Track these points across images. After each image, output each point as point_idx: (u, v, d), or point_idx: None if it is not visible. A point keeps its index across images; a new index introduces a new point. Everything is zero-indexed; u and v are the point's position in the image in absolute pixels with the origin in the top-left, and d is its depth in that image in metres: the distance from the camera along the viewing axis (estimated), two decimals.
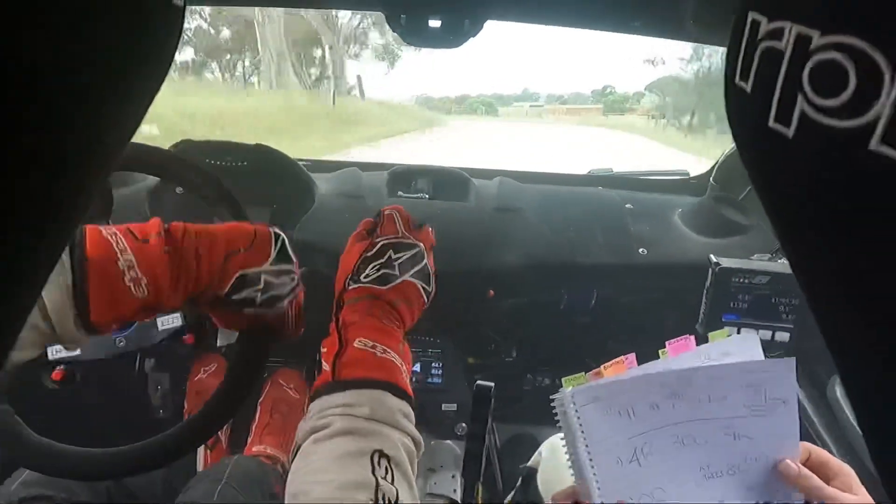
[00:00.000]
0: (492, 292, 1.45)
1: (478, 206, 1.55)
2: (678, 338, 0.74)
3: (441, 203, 1.57)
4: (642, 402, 0.69)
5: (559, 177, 1.92)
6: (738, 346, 0.74)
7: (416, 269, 0.77)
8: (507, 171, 1.78)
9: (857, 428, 1.23)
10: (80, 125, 0.20)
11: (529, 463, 1.10)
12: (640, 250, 1.49)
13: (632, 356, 0.73)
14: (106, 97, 0.21)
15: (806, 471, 0.70)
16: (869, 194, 0.19)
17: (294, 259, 0.72)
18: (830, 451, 1.28)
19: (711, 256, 1.31)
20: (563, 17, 1.32)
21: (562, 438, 0.72)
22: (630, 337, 1.66)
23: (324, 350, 0.68)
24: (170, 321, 0.97)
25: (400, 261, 0.76)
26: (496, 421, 1.62)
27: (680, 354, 0.74)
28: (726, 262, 1.28)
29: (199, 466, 1.39)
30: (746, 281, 1.27)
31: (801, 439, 0.73)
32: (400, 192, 1.60)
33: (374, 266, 0.74)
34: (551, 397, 0.71)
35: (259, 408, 1.53)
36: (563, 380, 0.71)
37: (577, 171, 1.98)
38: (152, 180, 1.43)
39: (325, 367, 0.65)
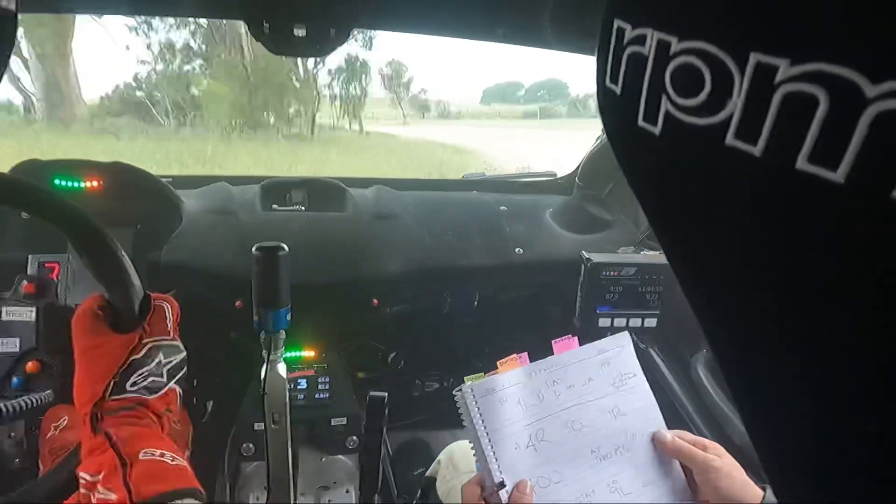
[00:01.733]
0: (376, 301, 1.43)
1: (356, 216, 1.53)
2: (563, 337, 0.81)
3: (318, 214, 1.54)
4: (530, 391, 0.77)
5: (434, 182, 1.94)
6: (612, 343, 0.82)
7: (181, 374, 0.70)
8: (383, 179, 1.78)
9: (720, 403, 1.34)
10: None
11: (428, 472, 1.11)
12: (517, 250, 1.53)
13: (524, 354, 0.79)
14: None
15: (679, 441, 0.77)
16: (726, 185, 0.20)
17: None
18: (696, 425, 1.39)
19: (583, 252, 1.37)
20: (429, 26, 1.33)
21: (471, 444, 0.76)
22: (513, 334, 1.71)
23: (95, 476, 0.58)
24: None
25: (168, 366, 0.68)
26: (388, 430, 1.61)
27: (564, 352, 0.80)
28: (597, 258, 1.35)
29: None
30: (615, 273, 1.34)
31: (671, 417, 0.81)
32: (274, 206, 1.55)
33: (142, 373, 0.65)
34: (454, 392, 0.77)
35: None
36: (465, 378, 0.77)
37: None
38: None
39: (105, 493, 0.56)
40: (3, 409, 0.72)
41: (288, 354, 1.04)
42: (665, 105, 0.22)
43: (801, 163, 0.17)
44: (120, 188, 1.36)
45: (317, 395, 1.41)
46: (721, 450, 0.76)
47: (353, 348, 1.60)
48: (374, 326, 1.60)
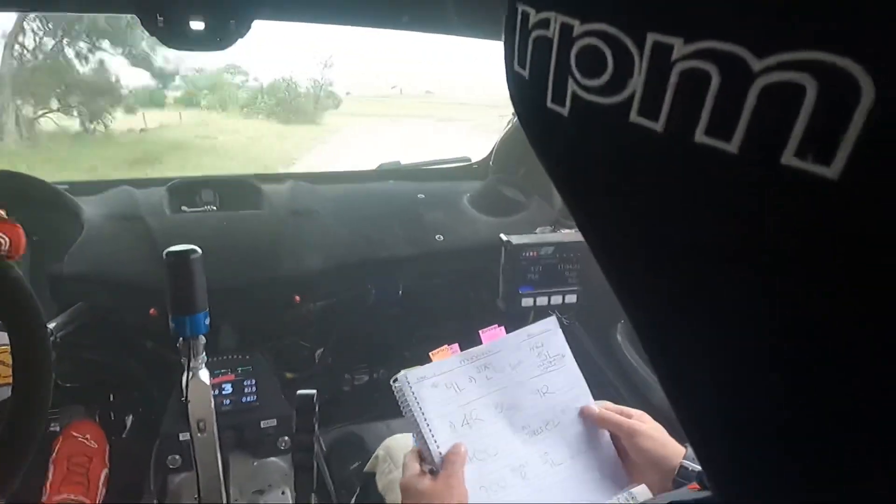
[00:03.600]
0: (297, 298, 1.41)
1: (271, 213, 1.50)
2: (490, 327, 0.87)
3: (231, 213, 1.49)
4: (462, 376, 0.83)
5: (350, 174, 1.92)
6: (540, 328, 0.89)
7: None
8: (297, 174, 1.74)
9: (640, 370, 1.40)
10: None
11: (367, 467, 1.10)
12: (437, 237, 1.54)
13: (455, 345, 0.85)
14: None
15: (605, 411, 0.83)
16: (632, 161, 0.21)
17: None
18: (619, 392, 1.45)
19: (502, 235, 1.40)
20: (331, 15, 1.31)
21: (412, 431, 0.81)
22: (439, 321, 1.73)
23: None
24: None
25: None
26: (320, 427, 1.59)
27: (493, 341, 0.86)
28: (516, 239, 1.37)
29: None
30: (535, 254, 1.37)
31: (595, 385, 0.88)
32: (184, 207, 1.49)
33: None
34: (391, 381, 0.82)
35: (53, 465, 1.35)
36: (402, 371, 0.82)
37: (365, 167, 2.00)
38: None
39: None
40: None
41: (210, 360, 1.00)
42: (571, 86, 0.22)
43: (699, 136, 0.18)
44: (10, 197, 1.27)
45: (243, 399, 1.38)
46: (644, 415, 0.82)
47: (279, 348, 1.57)
48: (298, 324, 1.58)
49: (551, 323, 0.89)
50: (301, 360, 1.64)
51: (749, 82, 0.17)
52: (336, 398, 1.73)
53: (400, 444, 1.08)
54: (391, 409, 1.69)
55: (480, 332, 0.86)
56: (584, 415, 0.84)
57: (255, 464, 1.39)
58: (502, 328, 0.87)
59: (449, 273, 1.63)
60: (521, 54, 0.25)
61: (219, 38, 1.10)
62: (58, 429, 1.40)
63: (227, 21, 1.08)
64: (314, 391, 0.99)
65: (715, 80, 0.18)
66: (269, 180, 1.64)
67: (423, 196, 1.66)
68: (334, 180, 1.78)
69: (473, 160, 1.99)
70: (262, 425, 1.36)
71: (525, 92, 0.26)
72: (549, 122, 0.24)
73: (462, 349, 0.85)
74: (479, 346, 0.85)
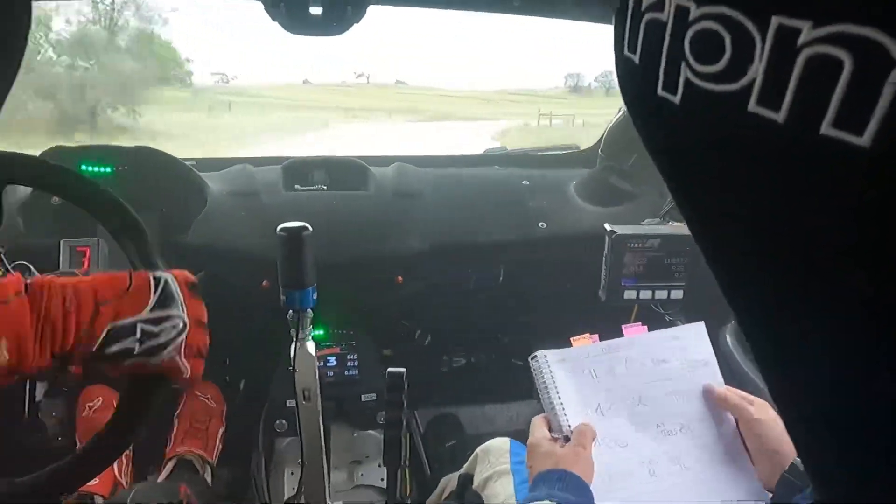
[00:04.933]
0: (399, 279, 1.44)
1: (377, 194, 1.54)
2: (633, 323, 0.92)
3: (340, 193, 1.54)
4: (602, 365, 0.86)
5: (455, 158, 1.93)
6: (688, 331, 0.90)
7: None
8: (404, 157, 1.78)
9: (749, 372, 1.33)
10: None
11: (464, 468, 1.13)
12: (540, 224, 1.53)
13: (595, 336, 0.89)
14: None
15: (728, 392, 0.84)
16: (748, 153, 0.20)
17: (180, 302, 0.64)
18: None
19: (606, 225, 1.36)
20: (443, 0, 1.32)
21: (546, 409, 0.84)
22: (538, 309, 1.72)
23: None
24: None
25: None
26: (416, 406, 1.63)
27: (637, 335, 0.89)
28: (620, 230, 1.34)
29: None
30: (640, 245, 1.33)
31: None
32: (297, 186, 1.56)
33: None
34: (530, 357, 0.86)
35: (177, 420, 1.48)
36: (542, 350, 0.86)
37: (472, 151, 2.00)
38: (24, 192, 1.32)
39: None
40: None
41: (316, 333, 1.05)
42: (685, 73, 0.21)
43: (826, 128, 0.17)
44: (145, 172, 1.38)
45: (346, 372, 1.44)
46: (766, 406, 0.82)
47: (379, 325, 1.62)
48: (399, 304, 1.62)
49: (700, 328, 0.90)
50: (400, 338, 1.69)
51: (887, 71, 0.15)
52: (433, 379, 1.76)
53: (497, 446, 1.11)
54: (487, 394, 1.70)
55: (624, 326, 0.91)
56: (707, 393, 0.85)
57: (355, 435, 1.45)
58: (644, 326, 0.91)
59: (550, 261, 1.62)
60: (631, 38, 0.24)
61: (335, 22, 1.13)
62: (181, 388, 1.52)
63: (344, 6, 1.12)
64: (403, 369, 1.01)
65: (847, 68, 0.16)
66: (377, 162, 1.68)
67: (528, 182, 1.65)
68: (439, 164, 1.80)
69: (582, 147, 1.96)
70: (362, 399, 1.41)
71: (634, 78, 0.25)
72: (658, 110, 0.23)
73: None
74: (621, 339, 0.88)
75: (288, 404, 1.35)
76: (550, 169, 1.83)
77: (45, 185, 0.79)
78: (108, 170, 1.35)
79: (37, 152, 1.35)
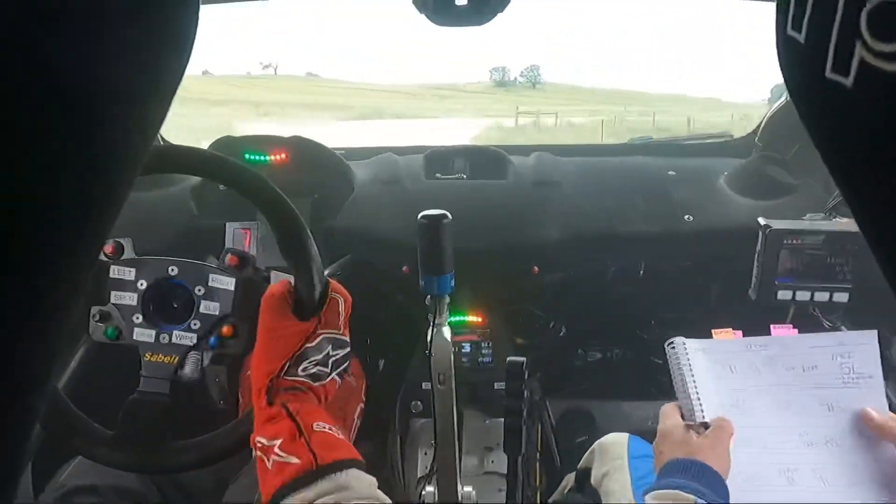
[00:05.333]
0: (536, 269, 1.44)
1: (516, 183, 1.54)
2: (782, 324, 0.90)
3: (479, 182, 1.56)
4: (743, 361, 0.82)
5: (597, 147, 1.89)
6: (855, 338, 0.82)
7: (343, 367, 0.76)
8: (544, 146, 1.76)
9: None
10: (107, 125, 0.20)
11: (581, 463, 1.12)
12: (686, 217, 1.45)
13: (739, 332, 0.87)
14: (129, 96, 0.21)
15: (890, 421, 0.76)
16: None
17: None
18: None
19: (760, 219, 1.27)
20: None
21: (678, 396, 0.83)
22: (680, 305, 1.64)
23: (272, 441, 0.65)
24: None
25: (335, 358, 0.74)
26: (549, 397, 1.62)
27: (788, 335, 0.87)
28: (777, 224, 1.24)
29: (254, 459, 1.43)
30: (798, 242, 1.23)
31: None
32: (437, 174, 1.60)
33: (313, 360, 0.72)
34: (667, 343, 0.85)
35: None
36: (680, 337, 0.85)
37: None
38: (195, 178, 1.47)
39: (286, 457, 0.63)
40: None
41: (452, 319, 1.08)
42: (859, 52, 0.19)
43: None
44: (300, 161, 1.48)
45: (480, 360, 1.46)
46: None
47: (514, 315, 1.62)
48: (534, 293, 1.61)
49: (870, 337, 0.82)
50: (533, 328, 1.68)
51: None
52: (567, 372, 1.74)
53: (614, 441, 1.08)
54: (623, 391, 1.65)
55: (772, 326, 0.89)
56: (863, 419, 0.77)
57: (487, 422, 1.46)
58: (795, 330, 0.89)
59: (696, 256, 1.54)
60: (797, 15, 0.22)
61: (480, 12, 1.14)
62: None
63: None
64: (524, 359, 1.01)
65: None
66: (517, 151, 1.68)
67: (674, 173, 1.57)
68: (579, 153, 1.77)
69: (736, 135, 1.83)
70: (494, 386, 1.42)
71: (799, 59, 0.23)
72: (827, 94, 0.21)
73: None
74: (768, 337, 0.85)
75: (424, 386, 1.39)
76: (699, 158, 1.73)
77: (210, 175, 0.88)
78: (265, 158, 1.46)
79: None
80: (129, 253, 0.85)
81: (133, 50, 0.21)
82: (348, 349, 0.76)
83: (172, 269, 0.85)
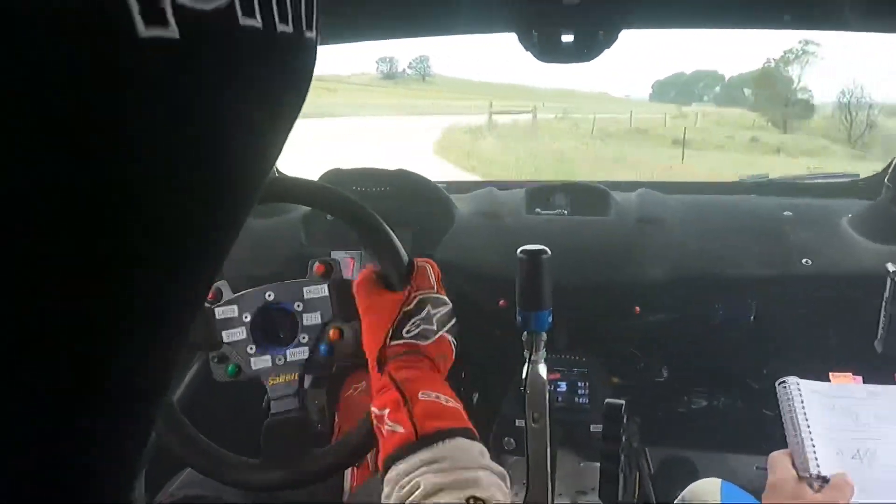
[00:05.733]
0: (637, 309, 1.39)
1: (619, 220, 1.50)
2: None
3: (580, 218, 1.54)
4: (866, 409, 0.76)
5: (707, 185, 1.82)
6: None
7: (451, 324, 0.76)
8: (650, 182, 1.72)
9: None
10: (228, 156, 0.21)
11: None
12: (804, 261, 1.37)
13: (859, 378, 0.82)
14: (250, 129, 0.22)
15: None
16: None
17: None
18: None
19: (889, 265, 1.17)
20: (706, 19, 1.25)
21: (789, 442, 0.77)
22: (794, 354, 1.53)
23: (381, 410, 0.66)
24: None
25: (437, 315, 0.75)
26: (648, 444, 1.55)
27: None
28: None
29: (346, 483, 1.45)
30: None
31: None
32: (537, 210, 1.59)
33: (415, 322, 0.73)
34: (777, 382, 0.79)
35: None
36: (793, 377, 0.79)
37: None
38: (305, 208, 1.54)
39: (393, 426, 0.64)
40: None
41: (549, 356, 1.07)
42: None
43: None
44: (403, 193, 1.52)
45: (576, 399, 1.42)
46: None
47: (614, 355, 1.57)
48: (635, 334, 1.56)
49: None
50: (633, 370, 1.62)
51: None
52: (669, 418, 1.66)
53: (705, 489, 1.03)
54: (730, 443, 1.55)
55: None
56: None
57: (581, 465, 1.42)
58: None
59: (813, 302, 1.44)
60: None
61: (586, 49, 1.14)
62: None
63: (597, 32, 1.12)
64: (623, 401, 0.97)
65: None
66: (620, 188, 1.65)
67: (791, 213, 1.49)
68: (688, 190, 1.71)
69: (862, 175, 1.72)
70: (590, 429, 1.38)
71: None
72: None
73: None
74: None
75: (517, 423, 1.37)
76: (820, 199, 1.63)
77: (316, 204, 0.92)
78: (369, 189, 1.52)
79: None
80: (227, 294, 0.90)
81: (257, 86, 0.22)
82: (449, 306, 0.78)
83: (269, 295, 0.89)
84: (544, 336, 0.99)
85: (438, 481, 0.57)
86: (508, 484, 0.63)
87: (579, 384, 1.43)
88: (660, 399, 1.64)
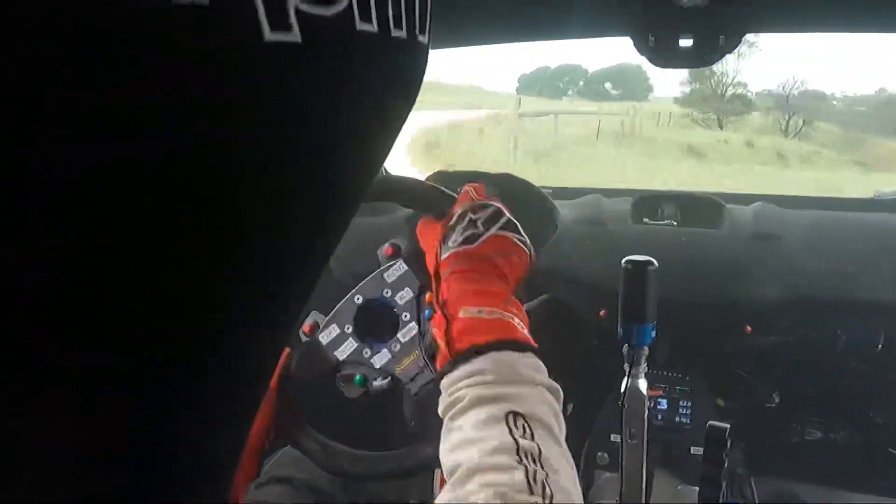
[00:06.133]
0: (749, 328, 1.32)
1: (732, 234, 1.43)
2: None
3: (690, 230, 1.48)
4: None
5: (832, 201, 1.70)
6: None
7: (501, 222, 0.75)
8: (767, 195, 1.62)
9: None
10: (339, 156, 0.22)
11: None
12: None
13: None
14: (361, 132, 0.23)
15: None
16: None
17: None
18: None
19: None
20: (834, 22, 1.17)
21: None
22: None
23: (435, 330, 0.67)
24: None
25: (481, 219, 0.74)
26: (754, 473, 1.46)
27: None
28: None
29: (436, 482, 1.46)
30: None
31: None
32: (645, 219, 1.55)
33: (458, 231, 0.73)
34: None
35: None
36: None
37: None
38: (407, 210, 1.57)
39: (441, 346, 0.64)
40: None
41: (648, 371, 1.03)
42: None
43: None
44: (507, 197, 1.51)
45: (676, 419, 1.36)
46: None
47: (720, 376, 1.49)
48: (744, 355, 1.47)
49: None
50: (740, 393, 1.53)
51: None
52: (779, 447, 1.56)
53: None
54: (848, 479, 1.44)
55: None
56: None
57: (679, 487, 1.36)
58: None
59: None
60: None
61: (705, 54, 1.09)
62: None
63: (717, 36, 1.07)
64: (727, 425, 0.92)
65: None
66: (736, 200, 1.57)
67: None
68: (811, 205, 1.60)
69: None
70: (691, 451, 1.32)
71: None
72: None
73: None
74: None
75: (612, 439, 1.33)
76: None
77: (418, 204, 0.94)
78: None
79: None
80: (322, 319, 0.92)
81: (370, 89, 0.22)
82: (495, 207, 0.78)
83: (357, 298, 0.91)
84: (646, 350, 0.96)
85: (478, 394, 0.56)
86: (560, 401, 0.62)
87: (681, 403, 1.37)
88: (769, 426, 1.54)
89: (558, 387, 0.62)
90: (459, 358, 0.61)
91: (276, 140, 0.19)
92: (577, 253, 1.43)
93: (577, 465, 1.43)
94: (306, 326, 0.92)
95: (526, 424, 0.54)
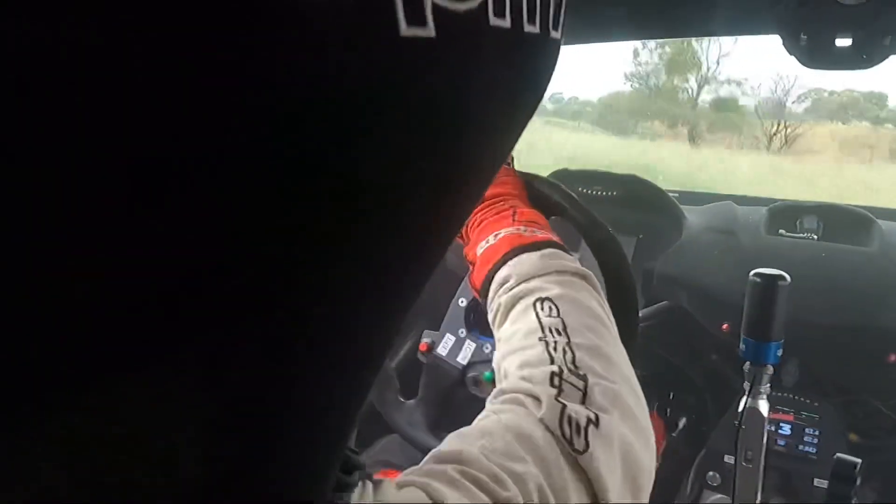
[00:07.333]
0: (893, 358, 1.20)
1: (882, 253, 1.31)
2: None
3: (833, 246, 1.37)
4: None
5: None
6: None
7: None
8: None
9: None
10: (464, 150, 0.22)
11: None
12: None
13: None
14: (488, 126, 0.23)
15: None
16: None
17: None
18: None
19: None
20: None
21: None
22: None
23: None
24: None
25: None
26: None
27: None
28: None
29: None
30: None
31: None
32: (781, 231, 1.45)
33: None
34: None
35: None
36: None
37: None
38: None
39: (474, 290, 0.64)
40: None
41: (771, 393, 0.97)
42: None
43: None
44: (631, 199, 1.47)
45: (800, 447, 1.27)
46: None
47: (855, 406, 1.38)
48: (884, 387, 1.35)
49: None
50: (877, 428, 1.40)
51: None
52: None
53: None
54: None
55: None
56: None
57: None
58: None
59: None
60: None
61: (865, 55, 1.00)
62: None
63: (881, 36, 0.98)
64: (858, 460, 0.84)
65: None
66: (888, 215, 1.43)
67: None
68: None
69: None
70: (814, 482, 1.23)
71: None
72: None
73: None
74: None
75: (726, 459, 1.27)
76: None
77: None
78: (603, 194, 1.49)
79: None
80: (433, 335, 0.94)
81: (500, 85, 0.23)
82: None
83: (462, 301, 0.92)
84: (770, 369, 0.90)
85: (503, 300, 0.57)
86: (594, 287, 0.59)
87: (807, 430, 1.28)
88: None
89: (588, 272, 0.61)
90: (485, 283, 0.61)
91: (405, 133, 0.20)
92: (702, 261, 1.36)
93: (686, 482, 1.38)
94: (423, 346, 0.94)
95: (552, 305, 0.54)
